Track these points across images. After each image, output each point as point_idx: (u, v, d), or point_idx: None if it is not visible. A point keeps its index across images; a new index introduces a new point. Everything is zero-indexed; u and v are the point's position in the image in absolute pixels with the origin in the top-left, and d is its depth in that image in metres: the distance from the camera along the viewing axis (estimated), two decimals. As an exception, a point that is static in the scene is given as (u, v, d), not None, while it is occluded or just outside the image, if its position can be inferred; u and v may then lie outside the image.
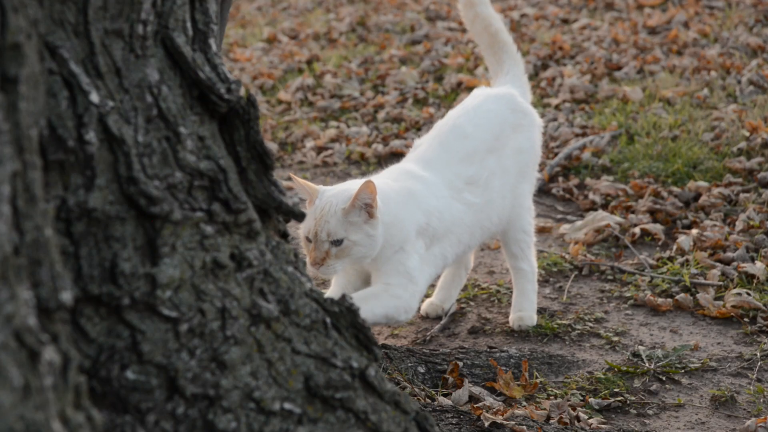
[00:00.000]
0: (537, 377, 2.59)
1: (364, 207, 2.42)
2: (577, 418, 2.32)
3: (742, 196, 3.72)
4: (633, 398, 2.49)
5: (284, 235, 1.74)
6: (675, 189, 3.84)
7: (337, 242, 2.42)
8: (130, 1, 1.53)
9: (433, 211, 2.55)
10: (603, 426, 2.34)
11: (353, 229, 2.42)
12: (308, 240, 2.45)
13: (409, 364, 2.54)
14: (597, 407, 2.44)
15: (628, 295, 3.09)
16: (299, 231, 2.51)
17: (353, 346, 1.68)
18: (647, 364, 2.65)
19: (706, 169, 4.02)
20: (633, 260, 3.34)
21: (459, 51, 6.08)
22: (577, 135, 4.53)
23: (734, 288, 3.02)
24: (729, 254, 3.27)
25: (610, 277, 3.23)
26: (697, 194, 3.80)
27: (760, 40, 5.69)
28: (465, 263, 2.99)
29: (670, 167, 4.05)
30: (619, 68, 5.49)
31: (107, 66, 1.51)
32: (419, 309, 2.94)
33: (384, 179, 2.62)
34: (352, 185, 2.51)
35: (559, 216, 3.81)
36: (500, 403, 2.39)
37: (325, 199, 2.46)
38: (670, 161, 4.10)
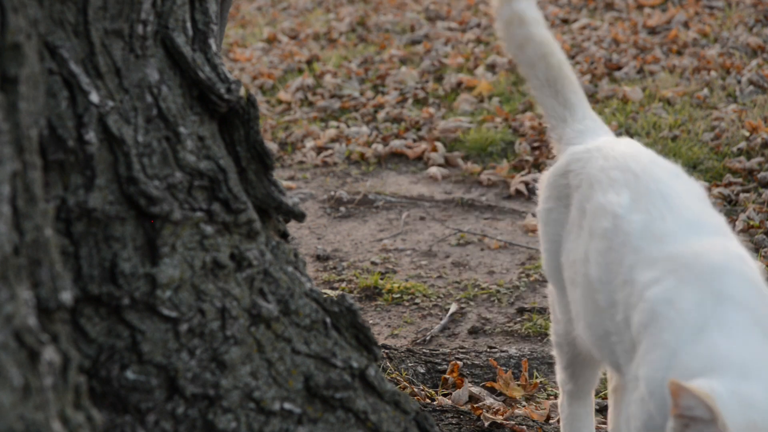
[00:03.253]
0: (537, 377, 2.59)
1: None
2: (577, 418, 2.32)
3: (742, 196, 3.72)
4: (633, 398, 2.49)
5: (284, 235, 1.74)
6: (675, 189, 3.84)
7: None
8: (130, 1, 1.53)
9: None
10: (603, 426, 2.34)
11: None
12: None
13: (409, 364, 2.54)
14: (597, 407, 2.44)
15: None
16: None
17: (353, 346, 1.68)
18: (647, 364, 2.64)
19: (706, 169, 4.02)
20: (633, 260, 3.34)
21: (459, 51, 6.07)
22: (577, 135, 4.53)
23: (734, 288, 3.02)
24: (729, 254, 3.27)
25: (610, 277, 3.23)
26: (697, 194, 3.80)
27: (760, 40, 5.69)
28: None
29: (670, 167, 4.04)
30: (619, 68, 5.49)
31: (107, 66, 1.51)
32: None
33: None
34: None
35: (559, 216, 3.80)
36: (500, 403, 2.39)
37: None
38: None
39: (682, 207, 1.71)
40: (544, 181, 2.00)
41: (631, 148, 1.90)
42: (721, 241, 1.65)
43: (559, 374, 2.05)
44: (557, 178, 1.94)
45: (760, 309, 1.53)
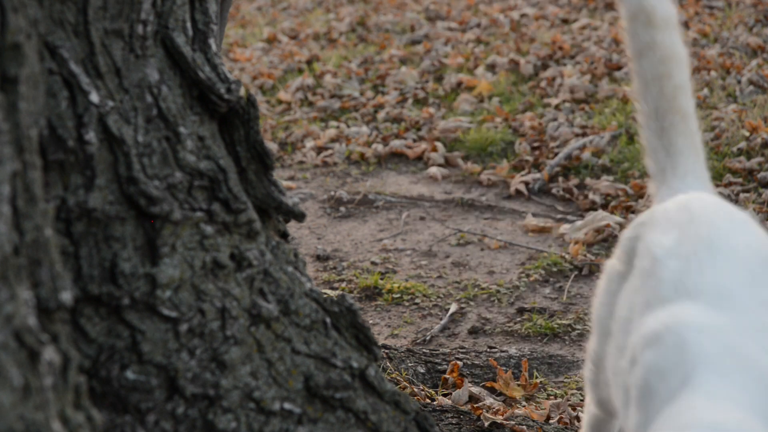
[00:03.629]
0: (537, 377, 2.59)
1: None
2: (577, 418, 2.32)
3: (742, 196, 3.72)
4: (633, 398, 2.49)
5: (284, 235, 1.74)
6: (675, 189, 3.84)
7: None
8: (130, 1, 1.53)
9: None
10: (603, 426, 2.34)
11: None
12: None
13: (409, 364, 2.54)
14: (597, 407, 2.44)
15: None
16: None
17: (353, 346, 1.68)
18: (647, 364, 2.64)
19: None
20: (633, 260, 3.34)
21: (459, 51, 6.07)
22: (577, 135, 4.53)
23: (734, 288, 3.02)
24: (729, 254, 3.27)
25: (610, 277, 3.23)
26: (697, 194, 3.80)
27: (760, 40, 5.69)
28: None
29: (670, 167, 4.04)
30: (619, 68, 5.49)
31: (107, 66, 1.51)
32: None
33: None
34: None
35: (559, 216, 3.81)
36: (500, 403, 2.39)
37: None
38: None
39: (729, 262, 1.43)
40: (620, 238, 1.70)
41: (706, 197, 1.63)
42: (752, 332, 1.36)
43: (588, 399, 1.88)
44: (630, 231, 1.65)
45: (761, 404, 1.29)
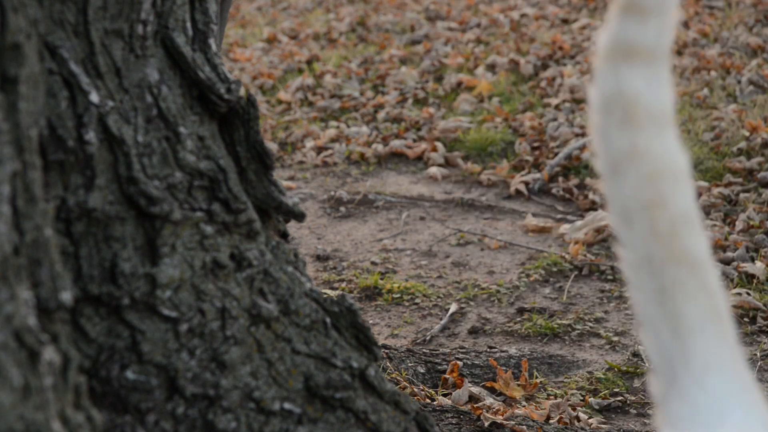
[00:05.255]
0: (537, 377, 2.59)
1: None
2: (577, 418, 2.32)
3: (742, 196, 3.72)
4: (633, 398, 2.49)
5: (284, 235, 1.74)
6: (675, 189, 3.84)
7: None
8: (130, 1, 1.53)
9: None
10: (603, 426, 2.34)
11: None
12: None
13: (409, 364, 2.54)
14: (597, 407, 2.44)
15: (628, 294, 3.09)
16: None
17: (353, 346, 1.68)
18: (647, 364, 2.65)
19: (706, 169, 4.02)
20: (633, 260, 3.33)
21: (459, 51, 6.08)
22: (577, 135, 4.53)
23: (734, 288, 3.02)
24: (729, 254, 3.27)
25: (610, 277, 3.23)
26: (697, 194, 3.81)
27: (760, 40, 5.69)
28: None
29: (670, 167, 4.04)
30: (619, 68, 5.49)
31: (107, 66, 1.51)
32: None
33: None
34: None
35: (559, 216, 3.81)
36: (500, 403, 2.39)
37: None
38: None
39: None
40: None
41: None
42: None
43: None
44: None
45: None
